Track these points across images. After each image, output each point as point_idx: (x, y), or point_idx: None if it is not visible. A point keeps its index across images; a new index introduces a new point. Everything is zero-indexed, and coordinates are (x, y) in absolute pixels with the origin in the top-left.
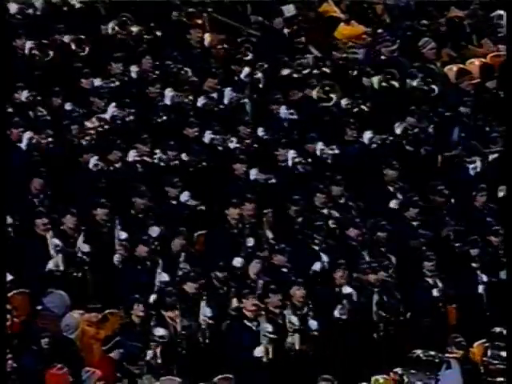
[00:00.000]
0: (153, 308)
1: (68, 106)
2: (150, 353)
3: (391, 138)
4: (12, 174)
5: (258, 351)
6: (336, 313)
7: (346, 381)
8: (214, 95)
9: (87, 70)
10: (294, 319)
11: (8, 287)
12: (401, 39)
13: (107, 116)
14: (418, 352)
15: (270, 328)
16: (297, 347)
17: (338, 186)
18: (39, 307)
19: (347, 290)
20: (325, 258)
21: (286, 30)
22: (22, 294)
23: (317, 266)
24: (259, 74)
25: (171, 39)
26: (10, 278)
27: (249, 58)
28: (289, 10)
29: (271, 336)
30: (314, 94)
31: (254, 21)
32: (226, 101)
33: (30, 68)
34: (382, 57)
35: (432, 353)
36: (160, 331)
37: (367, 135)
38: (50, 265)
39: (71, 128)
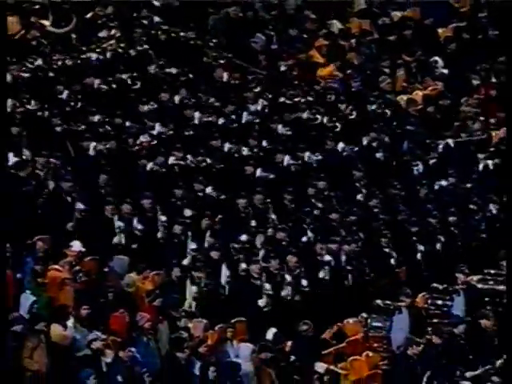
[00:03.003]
0: (187, 270)
1: (127, 123)
2: (187, 303)
3: (358, 147)
4: (84, 173)
5: (261, 302)
6: (320, 274)
7: (326, 322)
8: (233, 116)
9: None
10: (289, 278)
11: (83, 255)
12: (365, 76)
13: (155, 132)
14: (378, 301)
15: (268, 286)
16: (289, 298)
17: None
18: (106, 269)
19: (327, 258)
20: (310, 234)
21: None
22: (93, 259)
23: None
24: (264, 102)
25: (201, 76)
26: (83, 249)
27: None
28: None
29: (269, 292)
30: (304, 115)
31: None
32: (242, 121)
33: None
34: (352, 89)
35: (388, 302)
36: (193, 288)
37: (340, 145)
38: (115, 239)
39: (129, 140)
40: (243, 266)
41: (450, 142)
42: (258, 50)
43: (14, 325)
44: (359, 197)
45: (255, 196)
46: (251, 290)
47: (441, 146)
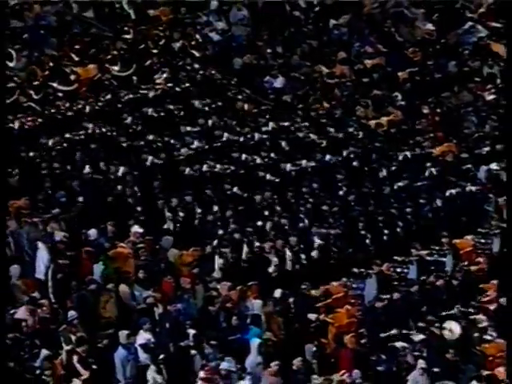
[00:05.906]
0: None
1: (172, 140)
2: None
3: (340, 158)
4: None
5: (270, 269)
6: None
7: (317, 283)
8: (249, 136)
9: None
10: (289, 254)
11: (139, 236)
12: (345, 106)
13: (193, 146)
14: (355, 269)
15: (275, 259)
16: (289, 268)
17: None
18: (157, 246)
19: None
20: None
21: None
22: (148, 240)
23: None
24: (272, 125)
25: (225, 108)
26: (141, 230)
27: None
28: None
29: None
30: (301, 134)
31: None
32: (255, 138)
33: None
34: (336, 115)
35: (362, 269)
36: (220, 261)
37: (327, 156)
38: (165, 225)
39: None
40: (257, 244)
41: (408, 154)
42: (267, 88)
43: (90, 285)
44: (341, 193)
45: (265, 193)
46: (263, 262)
47: (400, 157)
